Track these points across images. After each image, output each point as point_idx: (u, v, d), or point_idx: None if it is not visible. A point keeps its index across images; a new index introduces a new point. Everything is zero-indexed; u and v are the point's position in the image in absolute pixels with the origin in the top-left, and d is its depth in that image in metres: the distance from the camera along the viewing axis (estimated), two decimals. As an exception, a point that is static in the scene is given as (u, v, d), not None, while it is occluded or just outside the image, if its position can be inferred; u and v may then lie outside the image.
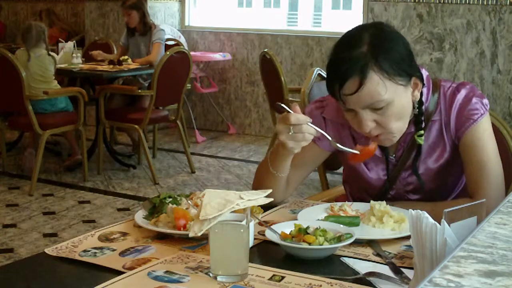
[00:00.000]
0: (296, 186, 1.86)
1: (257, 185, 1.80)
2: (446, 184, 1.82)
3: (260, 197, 1.47)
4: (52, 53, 5.16)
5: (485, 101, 1.72)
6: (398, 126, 1.64)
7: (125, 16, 5.79)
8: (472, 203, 1.14)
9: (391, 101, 1.58)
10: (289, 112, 1.57)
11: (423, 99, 1.70)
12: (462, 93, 1.71)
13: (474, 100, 1.70)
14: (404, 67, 1.59)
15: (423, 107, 1.70)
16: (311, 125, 1.57)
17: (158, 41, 5.68)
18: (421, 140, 1.71)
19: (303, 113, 1.80)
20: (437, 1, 5.70)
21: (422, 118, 1.70)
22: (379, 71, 1.56)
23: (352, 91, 1.56)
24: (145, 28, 5.74)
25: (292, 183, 1.82)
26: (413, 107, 1.68)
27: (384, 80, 1.56)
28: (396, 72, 1.57)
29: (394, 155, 1.79)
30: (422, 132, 1.70)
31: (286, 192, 1.81)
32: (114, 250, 1.44)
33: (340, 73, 1.57)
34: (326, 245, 1.41)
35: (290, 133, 1.56)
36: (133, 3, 5.67)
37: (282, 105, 1.60)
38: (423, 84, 1.67)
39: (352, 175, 1.88)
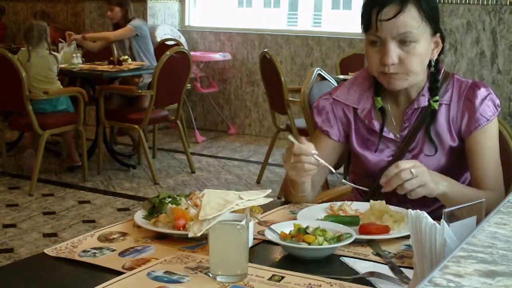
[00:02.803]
0: (321, 184, 1.93)
1: (285, 193, 1.87)
2: (450, 169, 1.83)
3: (259, 197, 1.47)
4: (54, 53, 5.16)
5: (497, 102, 1.80)
6: (416, 70, 1.72)
7: (108, 11, 5.83)
8: (472, 203, 1.14)
9: (419, 39, 1.69)
10: (293, 142, 1.63)
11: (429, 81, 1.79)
12: (482, 90, 1.78)
13: (491, 100, 1.78)
14: (435, 18, 1.73)
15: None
16: (316, 157, 1.63)
17: (129, 25, 5.73)
18: (436, 105, 1.77)
19: (313, 108, 1.85)
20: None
21: (438, 85, 1.78)
22: (417, 7, 1.68)
23: (390, 16, 1.67)
24: (126, 24, 5.76)
25: (316, 184, 1.86)
26: (429, 66, 1.78)
27: (419, 17, 1.69)
28: (429, 17, 1.70)
29: (398, 135, 1.82)
30: (437, 97, 1.78)
31: (312, 196, 1.86)
32: (113, 250, 1.44)
33: None
34: (326, 245, 1.41)
35: (291, 161, 1.62)
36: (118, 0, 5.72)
37: (290, 136, 1.68)
38: (443, 47, 1.77)
39: (356, 160, 1.90)
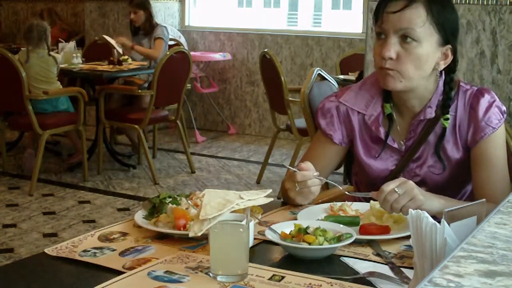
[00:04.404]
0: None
1: (284, 198, 1.86)
2: (455, 180, 1.83)
3: (260, 197, 1.48)
4: (54, 54, 5.15)
5: (504, 108, 1.76)
6: (413, 73, 1.69)
7: (131, 14, 5.76)
8: (472, 203, 1.14)
9: (422, 41, 1.67)
10: (294, 171, 1.66)
11: (440, 90, 1.76)
12: (486, 98, 1.75)
13: (496, 107, 1.75)
14: (447, 28, 1.70)
15: (438, 100, 1.76)
16: (318, 177, 1.67)
17: (160, 36, 5.66)
18: (446, 123, 1.75)
19: (318, 110, 1.85)
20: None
21: (449, 103, 1.75)
22: (426, 8, 1.67)
23: (396, 9, 1.67)
24: (150, 28, 5.73)
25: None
26: (438, 75, 1.75)
27: (426, 18, 1.67)
28: (439, 24, 1.68)
29: (403, 144, 1.81)
30: (448, 116, 1.75)
31: None
32: (114, 250, 1.44)
33: None
34: (326, 245, 1.41)
35: (297, 189, 1.67)
36: (140, 2, 5.66)
37: (288, 166, 1.72)
38: (455, 65, 1.75)
39: (360, 167, 1.90)
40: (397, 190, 1.55)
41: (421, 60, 1.68)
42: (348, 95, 1.86)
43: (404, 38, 1.67)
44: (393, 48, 1.67)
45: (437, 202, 1.62)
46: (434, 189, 1.78)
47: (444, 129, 1.76)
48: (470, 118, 1.75)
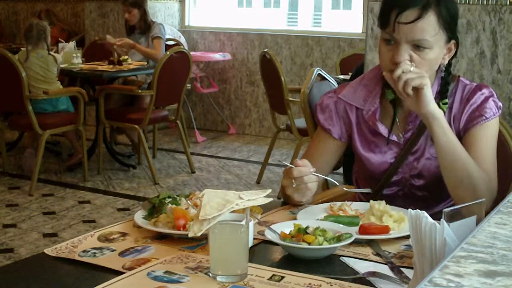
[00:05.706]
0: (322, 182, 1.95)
1: (284, 198, 1.85)
2: None
3: (259, 197, 1.48)
4: (54, 54, 5.15)
5: (500, 104, 1.79)
6: (426, 74, 1.71)
7: (125, 13, 5.76)
8: (471, 203, 1.14)
9: (433, 47, 1.69)
10: (291, 167, 1.67)
11: (438, 81, 1.79)
12: (484, 92, 1.79)
13: (493, 101, 1.78)
14: (452, 26, 1.72)
15: (435, 91, 1.77)
16: (314, 173, 1.68)
17: (158, 35, 5.65)
18: (445, 108, 1.77)
19: (317, 105, 1.86)
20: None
21: (448, 88, 1.78)
22: (437, 14, 1.68)
23: (409, 20, 1.67)
24: (145, 26, 5.72)
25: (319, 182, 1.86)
26: (439, 69, 1.78)
27: (437, 24, 1.69)
28: (446, 25, 1.70)
29: (402, 137, 1.82)
30: (446, 100, 1.77)
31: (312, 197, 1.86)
32: (113, 250, 1.44)
33: (404, 1, 1.68)
34: (326, 245, 1.41)
35: (294, 186, 1.67)
36: (134, 0, 5.65)
37: (285, 162, 1.72)
38: (455, 53, 1.77)
39: (360, 162, 1.91)
40: (412, 67, 1.63)
41: (433, 62, 1.72)
42: (347, 90, 1.89)
43: (417, 46, 1.68)
44: (405, 54, 1.68)
45: (436, 107, 1.66)
46: (432, 182, 1.79)
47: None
48: (465, 109, 1.78)
